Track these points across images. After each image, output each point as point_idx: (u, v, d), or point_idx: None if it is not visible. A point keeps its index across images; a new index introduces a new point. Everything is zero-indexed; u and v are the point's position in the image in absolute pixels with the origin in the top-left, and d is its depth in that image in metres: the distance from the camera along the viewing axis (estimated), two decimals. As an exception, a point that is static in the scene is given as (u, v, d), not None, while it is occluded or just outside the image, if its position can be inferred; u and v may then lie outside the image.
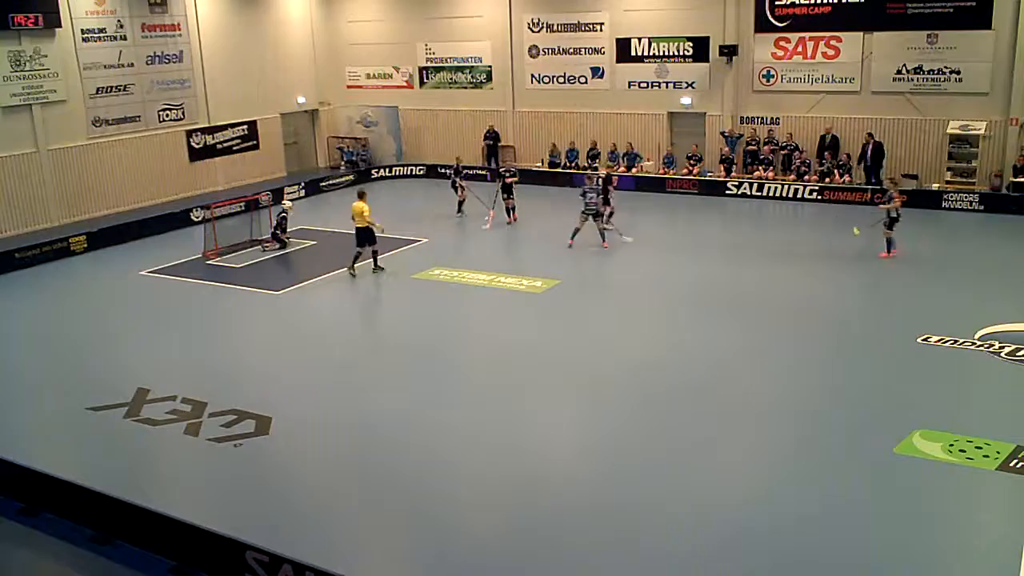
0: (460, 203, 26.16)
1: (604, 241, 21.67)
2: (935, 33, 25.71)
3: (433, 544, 9.90)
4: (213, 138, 30.32)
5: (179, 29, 29.18)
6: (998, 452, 11.30)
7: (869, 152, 26.15)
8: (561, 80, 31.69)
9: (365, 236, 20.23)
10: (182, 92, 29.46)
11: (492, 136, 32.31)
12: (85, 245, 23.24)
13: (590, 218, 21.61)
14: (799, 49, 27.73)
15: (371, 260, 20.54)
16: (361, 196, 20.71)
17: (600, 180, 22.81)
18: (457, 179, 26.24)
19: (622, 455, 11.77)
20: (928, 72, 26.12)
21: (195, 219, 25.76)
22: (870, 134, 26.20)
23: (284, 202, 24.20)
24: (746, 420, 12.71)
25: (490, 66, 32.89)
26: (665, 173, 29.41)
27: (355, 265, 20.29)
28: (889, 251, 20.36)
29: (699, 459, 11.58)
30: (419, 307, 18.36)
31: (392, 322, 17.50)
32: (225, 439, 12.42)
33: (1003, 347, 14.69)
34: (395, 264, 21.23)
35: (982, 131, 25.53)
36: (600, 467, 11.57)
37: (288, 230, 23.54)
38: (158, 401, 13.66)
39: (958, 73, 25.73)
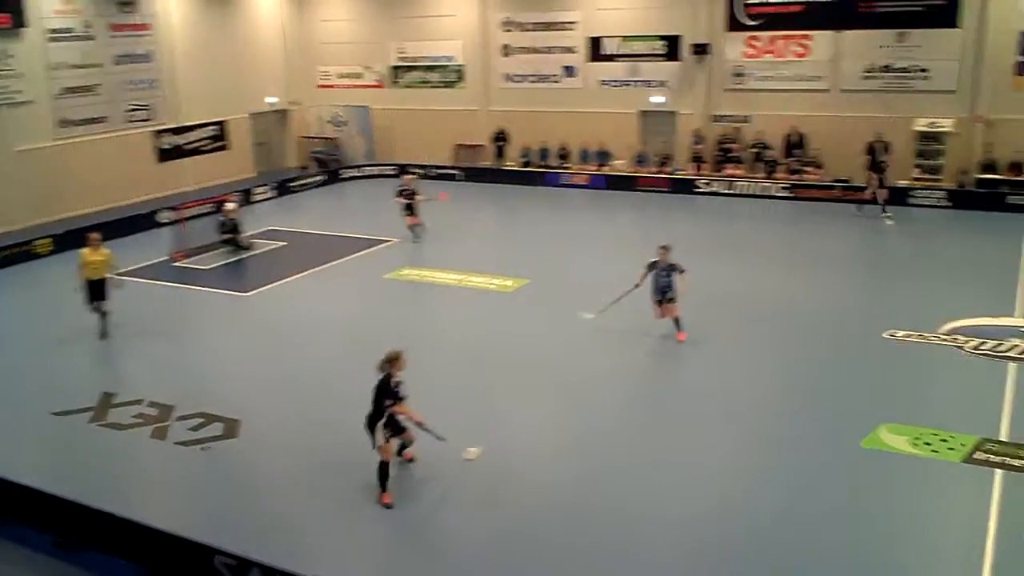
0: (413, 227, 23.11)
1: None
2: (904, 31, 25.96)
3: (405, 545, 9.87)
4: (182, 138, 29.95)
5: (148, 29, 28.91)
6: (963, 444, 11.42)
7: (877, 152, 26.15)
8: (533, 79, 31.69)
9: (99, 291, 16.43)
10: (150, 92, 29.20)
11: (501, 137, 31.95)
12: (51, 247, 22.92)
13: None
14: (770, 48, 27.91)
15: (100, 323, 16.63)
16: (93, 241, 16.51)
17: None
18: (406, 200, 22.97)
19: (594, 455, 11.77)
20: (896, 70, 26.36)
21: (163, 220, 25.50)
22: (878, 134, 26.15)
23: (227, 205, 23.49)
24: (714, 418, 12.75)
25: (462, 65, 32.84)
26: (636, 171, 29.49)
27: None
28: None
29: (668, 458, 11.60)
30: (390, 307, 18.28)
31: (363, 323, 17.40)
32: (193, 442, 12.30)
33: (967, 341, 14.85)
34: (365, 264, 21.14)
35: (949, 128, 25.79)
36: (572, 467, 11.56)
37: (246, 231, 23.25)
38: (124, 405, 13.49)
39: (926, 71, 25.99)
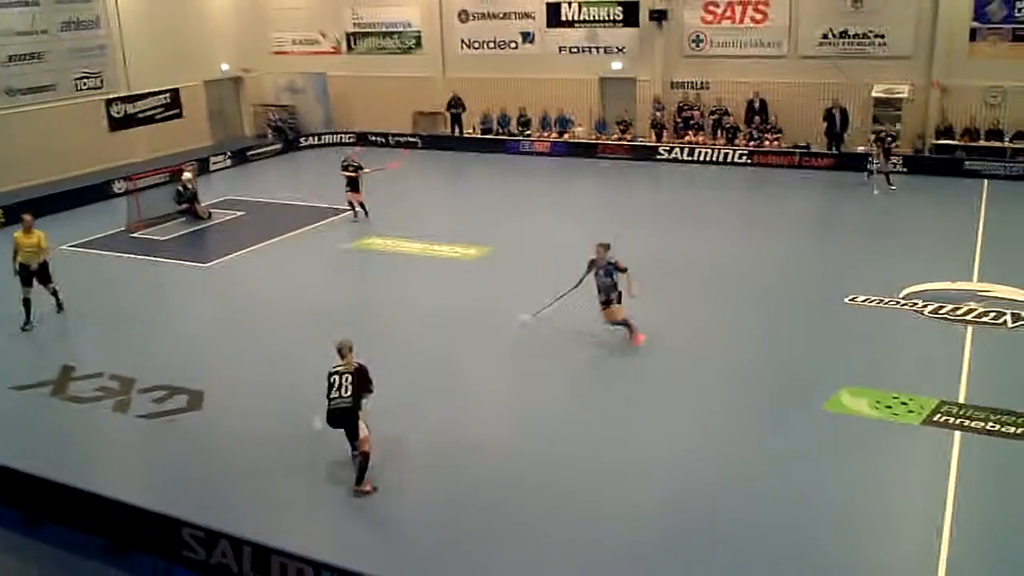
0: (358, 205, 22.05)
1: None
2: (860, -3, 26.11)
3: (370, 514, 9.85)
4: (134, 107, 29.41)
5: (95, -7, 28.16)
6: (922, 407, 11.64)
7: (837, 118, 26.41)
8: (492, 45, 31.43)
9: (41, 275, 15.63)
10: (100, 60, 28.48)
11: (456, 104, 31.36)
12: (2, 220, 22.37)
13: None
14: (728, 14, 27.93)
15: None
16: (26, 223, 15.64)
17: None
18: (349, 175, 21.84)
19: (556, 419, 11.85)
20: (853, 36, 26.53)
21: (117, 191, 24.99)
22: (835, 100, 26.40)
23: (184, 174, 22.98)
24: (679, 383, 12.88)
25: (419, 31, 32.46)
26: (597, 138, 29.46)
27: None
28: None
29: (634, 421, 11.71)
30: (352, 277, 18.16)
31: (326, 292, 17.27)
32: (156, 415, 12.16)
33: (926, 305, 15.10)
34: (327, 234, 20.93)
35: (905, 95, 26.06)
36: (535, 431, 11.63)
37: (203, 201, 22.88)
38: (84, 379, 13.29)
39: (882, 37, 26.20)
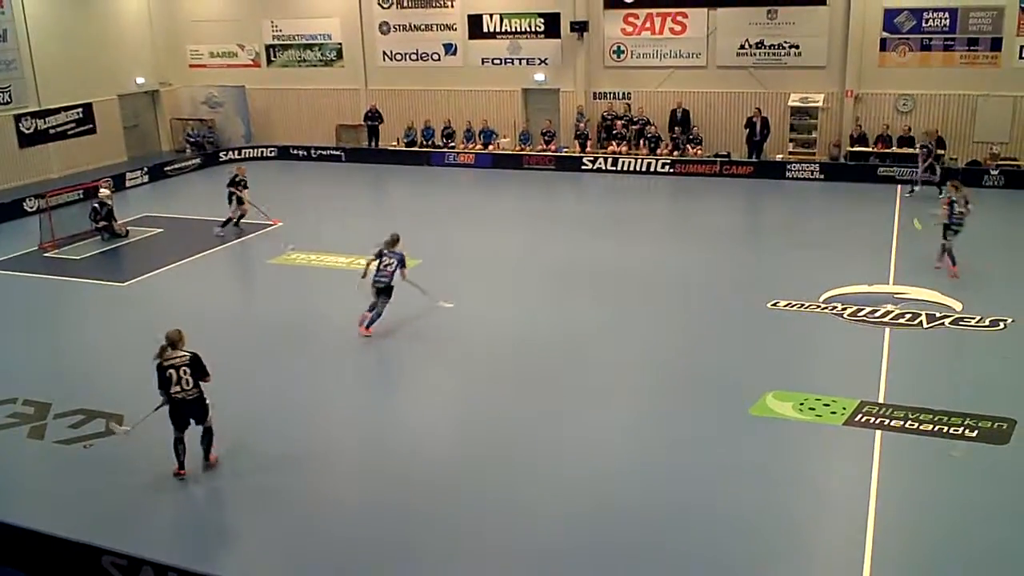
0: (236, 219, 21.74)
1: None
2: (774, 9, 26.76)
3: (300, 531, 9.64)
4: (45, 122, 28.52)
5: (1, 6, 27.23)
6: (844, 408, 11.89)
7: (758, 126, 26.91)
8: (414, 57, 31.34)
9: None
10: (8, 74, 27.56)
11: (374, 116, 31.18)
12: (-94, 240, 21.50)
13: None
14: (647, 25, 28.33)
15: None
16: None
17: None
18: (236, 191, 21.78)
19: (482, 430, 11.80)
20: (769, 47, 27.15)
21: (29, 209, 24.18)
22: (758, 109, 26.91)
23: (101, 191, 22.27)
24: (603, 391, 12.90)
25: (340, 43, 32.20)
26: (521, 150, 29.56)
27: None
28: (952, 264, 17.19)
29: (559, 431, 11.70)
30: (277, 292, 17.83)
31: (250, 309, 16.94)
32: (74, 440, 11.74)
33: (845, 308, 15.47)
34: (249, 250, 20.56)
35: (820, 103, 26.75)
36: (462, 440, 11.59)
37: (120, 218, 22.24)
38: (-4, 405, 12.78)
39: (797, 47, 26.86)
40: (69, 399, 12.81)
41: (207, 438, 10.62)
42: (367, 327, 14.76)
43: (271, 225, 22.12)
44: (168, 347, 10.25)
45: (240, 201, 21.70)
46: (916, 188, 23.76)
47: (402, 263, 14.62)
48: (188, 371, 10.14)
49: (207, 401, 10.42)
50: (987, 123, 25.43)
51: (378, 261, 14.75)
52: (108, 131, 30.80)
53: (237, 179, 21.88)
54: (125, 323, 16.49)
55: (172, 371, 10.12)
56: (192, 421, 10.48)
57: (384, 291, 14.71)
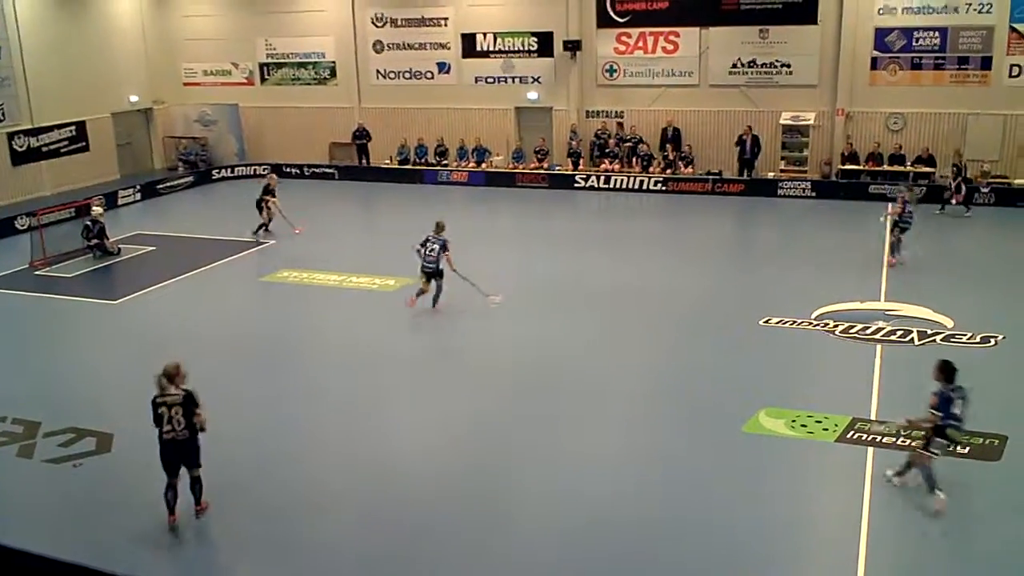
0: (264, 225, 23.09)
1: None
2: (766, 28, 26.92)
3: (289, 554, 9.59)
4: (38, 140, 28.49)
5: (-5, 24, 27.28)
6: (836, 425, 11.90)
7: (748, 144, 27.03)
8: (407, 76, 31.44)
9: None
10: (1, 92, 27.53)
11: (362, 135, 31.27)
12: (-102, 258, 21.43)
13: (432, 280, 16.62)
14: (640, 44, 28.47)
15: None
16: None
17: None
18: (267, 199, 23.08)
19: (477, 447, 11.78)
20: (761, 66, 27.30)
21: (20, 227, 24.13)
22: (749, 127, 27.02)
23: (94, 209, 22.35)
24: (599, 408, 12.89)
25: (334, 62, 32.30)
26: (514, 168, 29.63)
27: None
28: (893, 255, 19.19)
29: (553, 448, 11.67)
30: (269, 310, 17.81)
31: (241, 327, 16.89)
32: (63, 459, 11.67)
33: (837, 325, 15.49)
34: (241, 268, 20.53)
35: (812, 122, 26.88)
36: (457, 458, 11.54)
37: (112, 236, 22.20)
38: (-15, 423, 12.70)
39: (788, 66, 27.01)
40: (59, 417, 12.73)
41: (197, 487, 10.01)
42: (415, 297, 16.45)
43: (264, 244, 22.11)
44: (166, 381, 9.68)
45: (269, 208, 23.01)
46: (949, 205, 23.70)
47: (444, 247, 15.98)
48: (180, 411, 9.58)
49: (199, 444, 9.83)
50: (977, 141, 25.55)
51: (423, 248, 16.11)
52: (101, 149, 30.78)
53: (269, 187, 23.14)
54: (116, 341, 16.46)
55: (164, 409, 9.60)
56: (183, 466, 9.88)
57: (434, 275, 16.16)
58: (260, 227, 22.95)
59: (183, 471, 9.91)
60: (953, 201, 23.61)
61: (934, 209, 23.48)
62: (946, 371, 9.88)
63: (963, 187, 23.52)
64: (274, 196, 23.11)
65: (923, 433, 10.08)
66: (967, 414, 9.93)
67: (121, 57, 31.81)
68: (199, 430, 9.73)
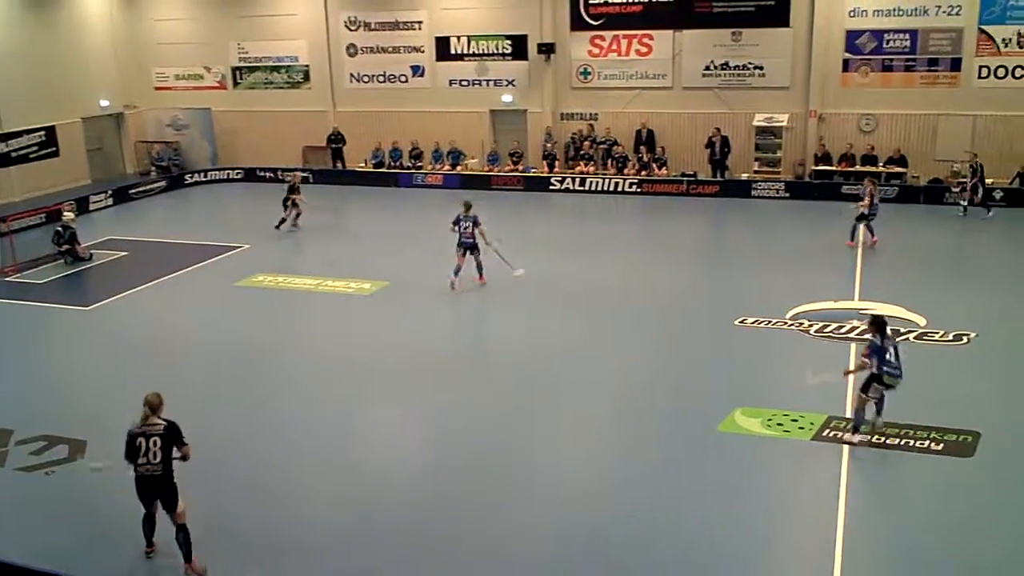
0: (293, 218, 23.97)
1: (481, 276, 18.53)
2: (739, 31, 27.09)
3: (268, 560, 9.51)
4: (6, 145, 28.12)
5: (-37, 30, 26.97)
6: (812, 423, 11.96)
7: (717, 145, 27.14)
8: (381, 79, 31.36)
9: None
10: (-33, 97, 27.23)
11: (337, 139, 31.10)
12: None
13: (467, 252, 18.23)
14: (614, 47, 28.56)
15: None
16: None
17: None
18: (293, 196, 23.92)
19: (454, 450, 11.72)
20: (734, 68, 27.46)
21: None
22: (717, 128, 27.15)
23: (65, 214, 22.14)
24: (574, 408, 12.93)
25: (307, 65, 32.17)
26: (490, 170, 29.61)
27: None
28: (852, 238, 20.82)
29: (529, 449, 11.68)
30: (243, 316, 17.68)
31: (215, 332, 16.75)
32: (35, 467, 11.51)
33: (811, 325, 15.58)
34: (215, 272, 20.37)
35: (785, 123, 27.06)
36: (433, 461, 11.50)
37: (83, 242, 21.95)
38: (-45, 432, 12.50)
39: (761, 69, 27.19)
40: (31, 425, 12.56)
41: (182, 537, 9.10)
42: (455, 277, 18.00)
43: (238, 248, 21.95)
44: (149, 411, 8.97)
45: (295, 204, 23.93)
46: (971, 206, 23.56)
47: (476, 223, 17.79)
48: (159, 443, 8.84)
49: (175, 482, 9.06)
50: (948, 142, 25.82)
51: (458, 226, 17.97)
52: (71, 154, 30.46)
53: (294, 186, 24.13)
54: (88, 348, 16.29)
55: (142, 440, 8.85)
56: (161, 505, 9.15)
57: (470, 248, 18.03)
58: (282, 221, 23.78)
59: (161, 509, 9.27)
60: (963, 201, 23.55)
61: (957, 211, 23.52)
62: (877, 324, 11.37)
63: (980, 188, 23.41)
64: (300, 193, 24.05)
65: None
66: (900, 363, 11.26)
67: (91, 61, 31.51)
68: (183, 458, 9.14)
